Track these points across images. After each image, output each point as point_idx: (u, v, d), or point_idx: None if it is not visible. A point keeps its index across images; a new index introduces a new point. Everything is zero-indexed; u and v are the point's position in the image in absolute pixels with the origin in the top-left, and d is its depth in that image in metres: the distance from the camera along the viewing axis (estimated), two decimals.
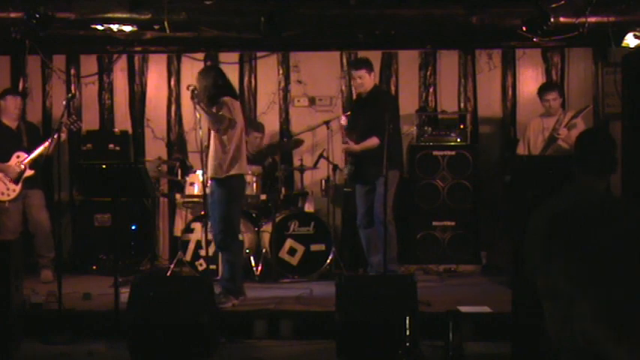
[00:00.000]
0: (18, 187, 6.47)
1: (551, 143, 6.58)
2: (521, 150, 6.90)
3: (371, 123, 6.22)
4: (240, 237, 6.67)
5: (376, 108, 6.18)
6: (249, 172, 6.42)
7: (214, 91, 5.76)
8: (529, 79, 7.81)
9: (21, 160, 6.46)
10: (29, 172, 6.48)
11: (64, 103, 6.18)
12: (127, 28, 6.62)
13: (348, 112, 6.75)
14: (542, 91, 6.87)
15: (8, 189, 6.45)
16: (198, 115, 5.81)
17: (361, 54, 7.94)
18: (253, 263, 6.88)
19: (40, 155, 6.46)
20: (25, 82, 8.13)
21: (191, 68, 8.01)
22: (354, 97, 6.72)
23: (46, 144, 6.32)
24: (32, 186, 6.57)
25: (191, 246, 6.77)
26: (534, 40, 6.55)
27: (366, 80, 6.36)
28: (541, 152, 6.65)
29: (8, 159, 6.51)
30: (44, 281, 6.40)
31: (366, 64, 6.41)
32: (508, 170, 7.08)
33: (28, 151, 6.49)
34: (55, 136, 6.21)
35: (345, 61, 8.03)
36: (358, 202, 6.53)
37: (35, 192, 6.62)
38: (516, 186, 6.32)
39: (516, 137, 7.56)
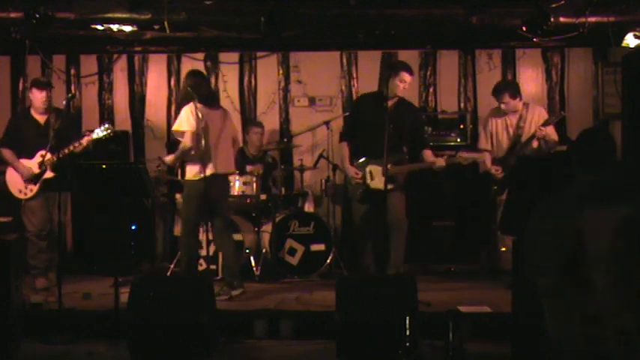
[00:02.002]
0: (36, 187, 6.17)
1: (526, 142, 6.47)
2: (483, 144, 6.76)
3: (423, 134, 6.42)
4: (240, 237, 6.70)
5: (420, 119, 6.48)
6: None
7: (186, 96, 5.97)
8: (529, 79, 7.82)
9: (41, 160, 6.09)
10: (49, 174, 6.12)
11: (64, 103, 6.18)
12: (127, 28, 6.62)
13: (346, 113, 6.73)
14: (494, 93, 6.79)
15: (26, 187, 6.19)
16: (200, 115, 5.90)
17: (361, 54, 7.96)
18: (253, 263, 6.87)
19: (63, 158, 6.07)
20: (25, 82, 8.12)
21: (191, 68, 8.00)
22: (378, 99, 6.28)
23: (71, 147, 6.02)
24: (53, 188, 6.15)
25: None
26: (534, 40, 6.55)
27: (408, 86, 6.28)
28: (508, 150, 6.58)
29: (32, 156, 6.17)
30: (38, 287, 6.17)
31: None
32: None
33: (54, 150, 6.05)
34: (83, 141, 6.06)
35: (345, 61, 8.03)
36: (371, 213, 6.28)
37: (54, 195, 6.18)
38: (516, 186, 6.33)
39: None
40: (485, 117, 6.92)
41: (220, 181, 6.15)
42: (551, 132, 6.40)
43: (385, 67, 6.58)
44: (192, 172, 5.97)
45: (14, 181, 6.23)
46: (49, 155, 6.04)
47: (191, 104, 5.92)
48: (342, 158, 6.47)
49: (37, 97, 6.24)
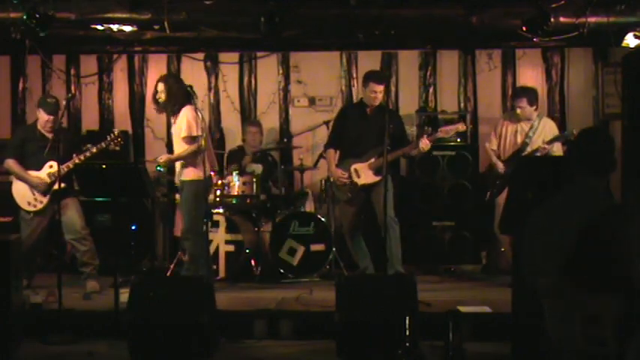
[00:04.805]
0: (45, 200, 6.13)
1: (530, 154, 6.50)
2: (494, 145, 6.82)
3: (406, 137, 6.50)
4: (240, 237, 6.72)
5: (401, 124, 6.53)
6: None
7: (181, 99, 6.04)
8: (529, 79, 7.81)
9: (52, 172, 6.05)
10: (60, 185, 5.90)
11: (64, 103, 6.17)
12: (127, 28, 6.62)
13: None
14: (513, 97, 6.90)
15: (36, 199, 6.15)
16: (200, 116, 5.97)
17: (361, 54, 7.96)
18: (253, 263, 6.87)
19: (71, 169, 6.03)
20: (25, 82, 8.13)
21: (191, 68, 8.03)
22: (360, 107, 6.54)
23: (81, 157, 5.98)
24: (65, 195, 6.08)
25: None
26: (534, 40, 6.55)
27: (382, 96, 6.38)
28: (511, 156, 6.64)
29: (40, 168, 6.13)
30: (90, 291, 6.17)
31: (388, 81, 6.43)
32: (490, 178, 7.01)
33: (63, 161, 5.93)
34: (87, 153, 6.01)
35: (345, 61, 8.04)
36: (357, 209, 6.49)
37: (68, 201, 6.17)
38: (516, 186, 6.33)
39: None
40: (499, 118, 7.06)
41: (210, 180, 6.34)
42: (556, 150, 6.44)
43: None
44: (196, 172, 5.99)
45: (22, 194, 6.20)
46: (56, 166, 5.93)
47: (190, 107, 6.01)
48: (328, 163, 6.61)
49: (43, 118, 6.14)
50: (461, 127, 6.34)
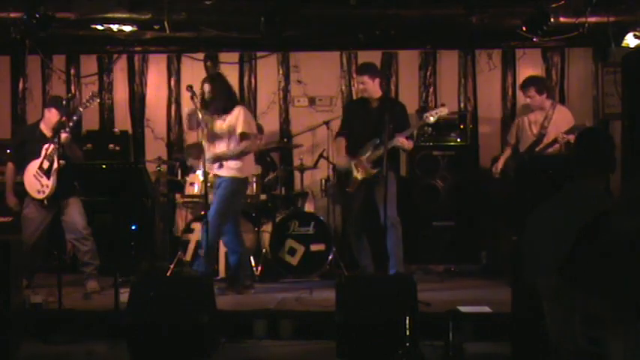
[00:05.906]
0: (50, 182, 6.05)
1: (547, 146, 6.52)
2: (511, 139, 6.85)
3: (408, 124, 6.38)
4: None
5: (404, 113, 6.38)
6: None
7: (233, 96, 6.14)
8: None
9: (47, 153, 6.03)
10: (59, 163, 5.87)
11: (64, 102, 6.16)
12: (127, 28, 6.63)
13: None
14: (522, 87, 6.88)
15: (42, 185, 6.10)
16: (200, 115, 5.90)
17: (361, 54, 7.96)
18: (253, 263, 6.87)
19: (62, 146, 5.89)
20: (25, 82, 8.13)
21: (191, 68, 8.03)
22: (361, 101, 6.53)
23: (63, 134, 5.85)
24: (67, 195, 6.15)
25: (191, 246, 6.77)
26: (534, 40, 6.56)
27: (369, 86, 6.28)
28: (529, 148, 6.64)
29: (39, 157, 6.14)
30: (90, 291, 6.18)
31: (369, 70, 6.34)
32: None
33: (61, 156, 5.89)
34: (70, 124, 5.94)
35: (345, 61, 8.04)
36: (360, 205, 6.50)
37: (70, 200, 6.20)
38: (516, 186, 6.34)
39: None
40: (518, 113, 7.18)
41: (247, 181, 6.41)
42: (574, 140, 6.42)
43: None
44: (238, 171, 6.01)
45: (31, 185, 6.17)
46: (52, 147, 5.96)
47: (244, 107, 6.09)
48: (338, 150, 6.56)
49: (54, 117, 6.11)
50: (442, 110, 6.23)
